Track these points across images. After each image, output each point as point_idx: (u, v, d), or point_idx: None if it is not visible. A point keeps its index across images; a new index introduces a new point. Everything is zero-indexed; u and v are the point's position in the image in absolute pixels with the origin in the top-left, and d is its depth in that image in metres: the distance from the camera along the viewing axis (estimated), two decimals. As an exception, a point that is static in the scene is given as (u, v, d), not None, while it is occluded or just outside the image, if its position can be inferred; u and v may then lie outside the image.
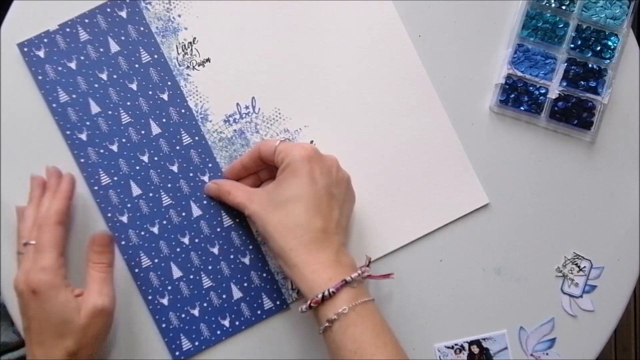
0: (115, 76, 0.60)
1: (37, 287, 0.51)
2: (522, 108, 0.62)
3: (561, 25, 0.62)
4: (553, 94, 0.62)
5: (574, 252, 0.63)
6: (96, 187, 0.59)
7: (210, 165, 0.61)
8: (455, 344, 0.62)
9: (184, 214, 0.60)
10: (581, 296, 0.63)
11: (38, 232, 0.54)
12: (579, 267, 0.63)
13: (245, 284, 0.60)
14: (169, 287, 0.59)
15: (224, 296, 0.60)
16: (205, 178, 0.61)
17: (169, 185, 0.60)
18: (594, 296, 0.63)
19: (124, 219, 0.59)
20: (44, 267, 0.52)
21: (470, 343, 0.62)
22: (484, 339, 0.62)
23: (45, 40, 0.59)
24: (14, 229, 0.58)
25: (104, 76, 0.60)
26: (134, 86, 0.60)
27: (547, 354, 0.62)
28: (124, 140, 0.60)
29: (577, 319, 0.63)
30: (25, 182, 0.58)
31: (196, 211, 0.60)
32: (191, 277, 0.60)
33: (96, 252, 0.56)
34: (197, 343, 0.59)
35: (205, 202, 0.60)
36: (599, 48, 0.62)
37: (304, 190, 0.53)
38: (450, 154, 0.63)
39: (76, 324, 0.52)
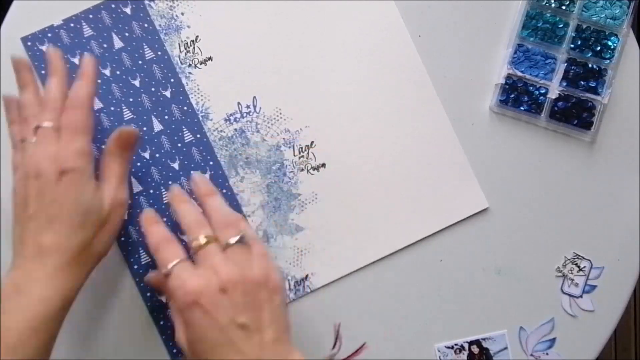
0: (118, 72, 0.60)
1: (70, 168, 0.47)
2: (522, 108, 0.62)
3: (561, 25, 0.63)
4: (553, 94, 0.62)
5: (574, 252, 0.63)
6: None
7: (211, 163, 0.61)
8: (455, 344, 0.62)
9: (184, 210, 0.60)
10: (581, 296, 0.63)
11: (66, 114, 0.49)
12: (579, 267, 0.63)
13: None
14: (169, 284, 0.59)
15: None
16: (207, 175, 0.61)
17: (170, 182, 0.60)
18: (594, 296, 0.63)
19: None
20: (80, 151, 0.48)
21: (470, 343, 0.62)
22: (484, 339, 0.62)
23: (49, 35, 0.60)
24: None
25: (107, 72, 0.60)
26: (136, 82, 0.60)
27: (547, 354, 0.62)
28: (125, 136, 0.60)
29: (577, 319, 0.63)
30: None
31: (197, 208, 0.60)
32: (191, 273, 0.60)
33: (120, 147, 0.53)
34: (196, 340, 0.59)
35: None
36: (599, 48, 0.63)
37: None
38: (450, 156, 0.63)
39: (98, 214, 0.49)
